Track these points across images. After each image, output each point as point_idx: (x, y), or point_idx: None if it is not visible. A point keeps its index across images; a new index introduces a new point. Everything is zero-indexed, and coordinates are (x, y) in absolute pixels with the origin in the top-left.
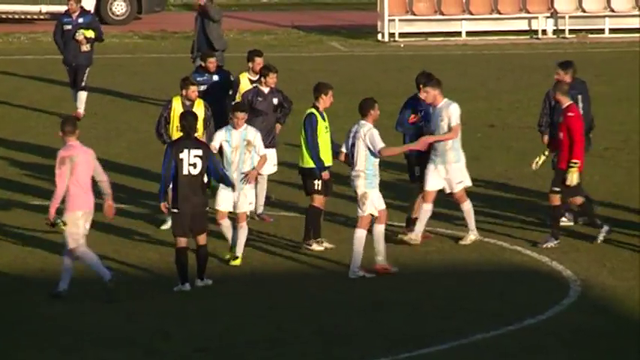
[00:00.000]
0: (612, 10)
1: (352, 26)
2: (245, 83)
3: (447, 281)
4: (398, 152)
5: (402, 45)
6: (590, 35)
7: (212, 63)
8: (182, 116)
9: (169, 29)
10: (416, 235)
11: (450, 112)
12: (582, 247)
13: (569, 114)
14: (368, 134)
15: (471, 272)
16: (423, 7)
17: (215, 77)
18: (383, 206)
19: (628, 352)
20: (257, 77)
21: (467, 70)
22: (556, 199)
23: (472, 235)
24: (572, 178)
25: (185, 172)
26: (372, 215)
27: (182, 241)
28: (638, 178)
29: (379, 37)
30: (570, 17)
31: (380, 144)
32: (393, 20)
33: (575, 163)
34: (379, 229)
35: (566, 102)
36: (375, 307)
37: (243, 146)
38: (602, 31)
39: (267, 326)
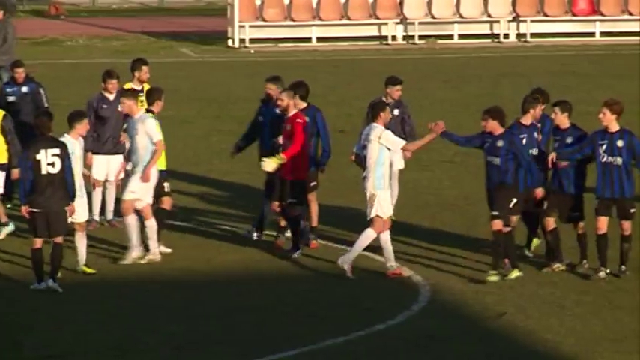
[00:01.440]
0: (461, 16)
1: (202, 32)
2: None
3: (297, 287)
4: (420, 145)
5: (252, 51)
6: (439, 41)
7: (19, 74)
8: (36, 117)
9: (17, 35)
10: (154, 254)
11: (147, 128)
12: (432, 252)
13: (298, 120)
14: (383, 136)
15: (321, 278)
16: (273, 13)
17: (24, 89)
18: (390, 213)
19: (476, 356)
20: (141, 86)
21: (317, 76)
22: (275, 206)
23: (134, 253)
24: (269, 164)
25: (44, 171)
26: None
27: (38, 242)
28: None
29: (229, 43)
30: (420, 23)
31: (401, 142)
32: (244, 26)
33: (282, 158)
34: (384, 236)
35: (293, 109)
36: (225, 314)
37: (82, 156)
38: (451, 36)
39: (117, 334)
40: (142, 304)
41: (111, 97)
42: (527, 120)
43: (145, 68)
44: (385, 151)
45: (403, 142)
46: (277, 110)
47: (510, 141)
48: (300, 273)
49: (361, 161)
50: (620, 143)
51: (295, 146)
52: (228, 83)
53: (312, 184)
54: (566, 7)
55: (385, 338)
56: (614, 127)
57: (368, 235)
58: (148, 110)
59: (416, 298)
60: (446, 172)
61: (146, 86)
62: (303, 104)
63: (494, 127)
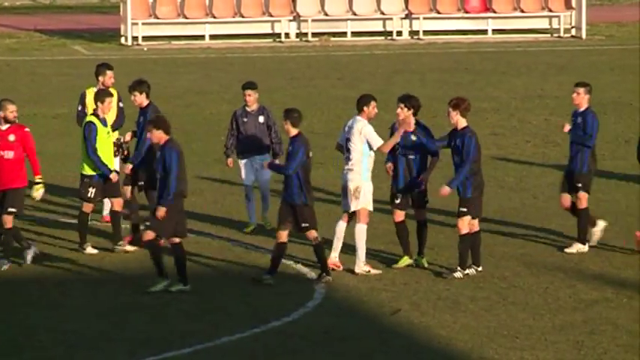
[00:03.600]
0: (354, 14)
1: (95, 30)
2: (92, 98)
3: (192, 284)
4: (394, 143)
5: (145, 48)
6: (332, 38)
7: None
8: None
9: None
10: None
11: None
12: (327, 250)
13: (27, 130)
14: (364, 131)
15: (217, 275)
16: (165, 10)
17: None
18: (370, 206)
19: (372, 352)
20: None
21: (211, 74)
22: (7, 221)
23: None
24: (39, 194)
25: None
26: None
27: None
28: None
29: (122, 40)
30: (313, 20)
31: (378, 142)
32: (136, 24)
33: (41, 179)
34: (360, 227)
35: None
36: (118, 311)
37: None
38: (344, 34)
39: (9, 331)
40: (37, 301)
41: None
42: None
43: (109, 73)
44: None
45: (380, 142)
46: None
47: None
48: (196, 271)
49: (345, 154)
50: (458, 141)
51: (32, 154)
52: (122, 81)
53: (140, 182)
54: (458, 5)
55: (281, 335)
56: (461, 125)
57: (362, 230)
58: (93, 114)
59: (311, 296)
60: (340, 169)
61: (112, 91)
62: (147, 101)
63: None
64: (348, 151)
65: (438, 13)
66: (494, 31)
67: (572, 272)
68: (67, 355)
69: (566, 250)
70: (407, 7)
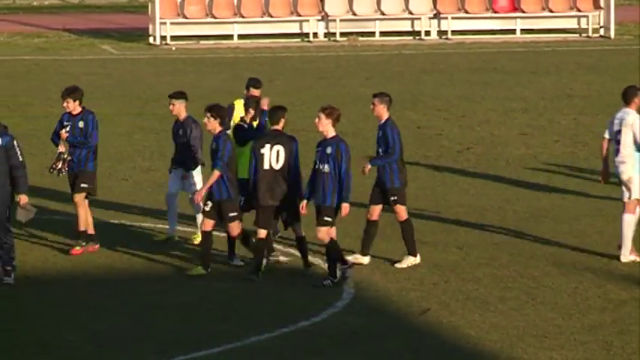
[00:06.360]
0: (382, 14)
1: (124, 29)
2: (240, 110)
3: (221, 284)
4: None
5: (173, 48)
6: (360, 38)
7: None
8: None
9: None
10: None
11: None
12: (355, 249)
13: None
14: (635, 124)
15: (244, 275)
16: (194, 10)
17: None
18: (638, 196)
19: (401, 352)
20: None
21: (239, 74)
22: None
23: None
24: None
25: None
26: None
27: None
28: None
29: (151, 40)
30: (341, 20)
31: None
32: (165, 23)
33: None
34: (628, 217)
35: None
36: (147, 311)
37: None
38: (372, 34)
39: (38, 330)
40: (66, 301)
41: None
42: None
43: (254, 91)
44: None
45: None
46: None
47: None
48: (224, 271)
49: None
50: (329, 150)
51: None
52: (150, 80)
53: (83, 185)
54: (486, 5)
55: (309, 335)
56: (330, 133)
57: (629, 220)
58: (241, 119)
59: (340, 296)
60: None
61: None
62: (80, 108)
63: None
64: (619, 143)
65: (467, 12)
66: (523, 30)
67: (602, 272)
68: (96, 354)
69: (397, 265)
70: (435, 7)
